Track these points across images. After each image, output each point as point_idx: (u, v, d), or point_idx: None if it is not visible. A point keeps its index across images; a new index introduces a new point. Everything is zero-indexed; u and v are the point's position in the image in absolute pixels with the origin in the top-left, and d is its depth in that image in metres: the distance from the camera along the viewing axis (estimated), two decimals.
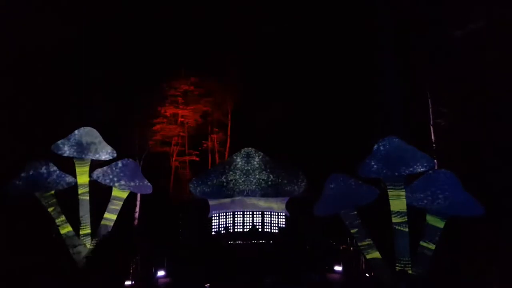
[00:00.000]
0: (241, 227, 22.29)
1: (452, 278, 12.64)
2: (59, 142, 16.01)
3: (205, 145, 29.35)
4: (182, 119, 27.85)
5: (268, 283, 15.78)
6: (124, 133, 22.09)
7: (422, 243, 12.55)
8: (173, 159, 27.23)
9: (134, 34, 23.77)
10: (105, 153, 16.36)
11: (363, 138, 18.33)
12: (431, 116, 19.35)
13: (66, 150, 15.90)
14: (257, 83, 27.99)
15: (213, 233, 22.25)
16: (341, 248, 19.23)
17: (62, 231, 15.22)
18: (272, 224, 22.35)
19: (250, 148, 22.93)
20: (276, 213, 22.31)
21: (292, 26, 27.17)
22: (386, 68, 20.91)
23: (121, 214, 15.97)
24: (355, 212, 13.57)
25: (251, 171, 22.33)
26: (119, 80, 22.40)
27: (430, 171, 13.12)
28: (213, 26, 27.03)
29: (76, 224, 15.66)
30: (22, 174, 15.16)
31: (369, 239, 13.35)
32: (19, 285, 13.42)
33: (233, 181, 22.16)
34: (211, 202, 22.36)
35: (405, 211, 13.04)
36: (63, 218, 15.37)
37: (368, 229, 13.56)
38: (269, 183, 22.01)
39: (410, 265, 12.74)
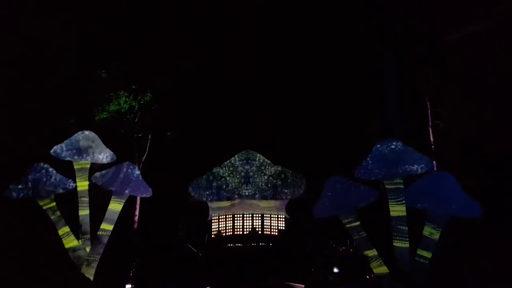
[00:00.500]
0: (241, 230, 22.29)
1: (451, 280, 12.65)
2: (58, 145, 16.00)
3: None
4: None
5: (267, 286, 15.78)
6: (124, 136, 22.12)
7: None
8: None
9: (133, 35, 23.76)
10: (105, 156, 16.33)
11: (362, 140, 18.37)
12: (429, 118, 19.38)
13: (65, 153, 15.88)
14: (257, 83, 28.00)
15: (212, 236, 22.26)
16: (340, 250, 19.26)
17: (61, 233, 15.18)
18: (272, 227, 22.36)
19: (249, 150, 22.97)
20: (276, 216, 22.32)
21: (292, 26, 27.15)
22: (385, 69, 20.94)
23: (120, 217, 15.92)
24: (354, 214, 13.56)
25: (250, 174, 22.35)
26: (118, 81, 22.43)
27: (429, 173, 13.12)
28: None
29: (76, 228, 15.63)
30: (22, 179, 15.15)
31: (367, 239, 13.35)
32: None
33: (233, 183, 22.18)
34: (211, 205, 22.38)
35: (405, 212, 13.04)
36: (62, 221, 15.35)
37: (367, 230, 13.56)
38: (269, 185, 22.03)
39: (408, 267, 12.72)
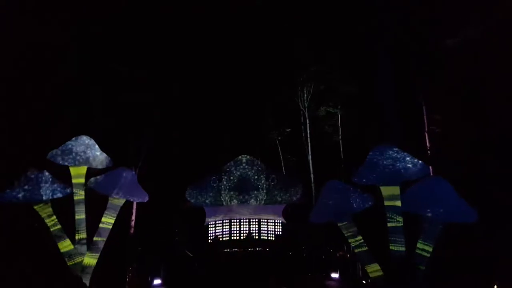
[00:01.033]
0: (237, 235, 22.25)
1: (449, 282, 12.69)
2: (54, 150, 15.97)
3: None
4: None
5: None
6: (120, 141, 22.11)
7: (419, 244, 12.56)
8: None
9: (133, 38, 23.79)
10: (101, 161, 16.31)
11: (359, 145, 18.46)
12: (425, 123, 19.51)
13: (62, 158, 15.84)
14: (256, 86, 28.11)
15: (209, 241, 22.21)
16: (338, 255, 19.25)
17: (58, 241, 15.12)
18: (269, 232, 22.32)
19: (246, 155, 22.99)
20: (273, 221, 22.30)
21: (291, 26, 27.25)
22: (383, 75, 21.08)
23: (117, 222, 15.88)
24: (351, 219, 13.59)
25: (247, 178, 22.35)
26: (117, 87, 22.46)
27: (425, 178, 13.18)
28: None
29: (72, 233, 15.56)
30: (18, 183, 15.08)
31: (364, 244, 13.39)
32: None
33: (230, 188, 22.17)
34: (207, 210, 22.35)
35: (401, 217, 13.07)
36: (58, 225, 15.28)
37: (364, 235, 13.58)
38: (265, 190, 22.03)
39: (405, 271, 12.73)
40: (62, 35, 20.36)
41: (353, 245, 13.79)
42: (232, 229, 22.25)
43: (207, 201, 22.24)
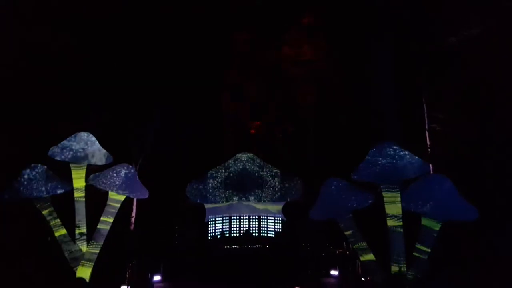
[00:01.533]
0: (237, 232, 22.29)
1: (449, 280, 12.70)
2: (55, 146, 15.98)
3: None
4: None
5: None
6: (120, 138, 22.09)
7: (417, 245, 12.57)
8: None
9: (133, 37, 23.75)
10: (102, 157, 16.33)
11: (359, 142, 18.43)
12: (426, 121, 19.46)
13: (62, 154, 15.86)
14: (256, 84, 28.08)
15: (209, 237, 22.24)
16: (337, 252, 19.29)
17: (57, 234, 15.15)
18: (269, 229, 22.36)
19: (246, 152, 23.00)
20: (273, 218, 22.33)
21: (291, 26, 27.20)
22: (382, 72, 21.03)
23: (117, 218, 15.90)
24: (351, 216, 13.61)
25: (247, 175, 22.37)
26: (117, 84, 22.41)
27: (425, 176, 13.18)
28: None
29: (71, 229, 15.59)
30: (18, 180, 15.11)
31: (364, 243, 13.39)
32: None
33: (230, 185, 22.19)
34: (207, 206, 22.37)
35: (400, 214, 13.09)
36: (58, 222, 15.32)
37: (364, 232, 13.60)
38: (266, 187, 22.04)
39: (405, 267, 12.76)
40: (62, 35, 20.36)
41: (352, 243, 13.83)
42: (232, 226, 22.29)
43: (207, 198, 22.25)
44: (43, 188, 15.23)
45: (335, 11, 24.41)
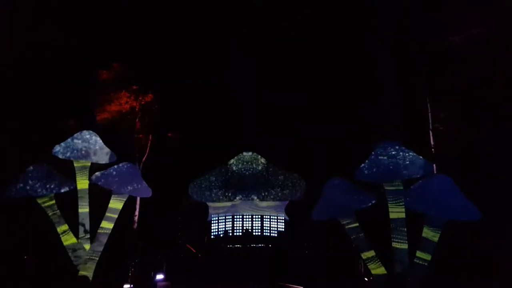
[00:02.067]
0: (240, 231, 22.31)
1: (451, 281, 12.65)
2: (58, 145, 16.05)
3: None
4: None
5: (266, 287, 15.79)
6: (123, 136, 22.16)
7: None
8: None
9: (134, 35, 23.82)
10: (105, 156, 16.38)
11: (362, 142, 18.39)
12: (430, 120, 19.39)
13: (66, 153, 15.92)
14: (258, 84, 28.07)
15: (212, 236, 22.27)
16: (339, 252, 19.25)
17: (61, 233, 15.20)
18: (272, 228, 22.36)
19: (249, 151, 22.99)
20: (276, 217, 22.33)
21: (291, 26, 27.18)
22: (385, 71, 20.97)
23: (120, 217, 15.94)
24: (353, 216, 13.57)
25: (250, 175, 22.36)
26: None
27: (429, 176, 13.12)
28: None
29: (75, 228, 15.65)
30: (21, 178, 15.17)
31: (366, 241, 13.37)
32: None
33: (233, 184, 22.19)
34: (210, 205, 22.40)
35: (404, 214, 13.05)
36: (63, 221, 15.38)
37: (367, 232, 13.56)
38: (269, 186, 22.04)
39: (407, 269, 12.72)
40: (62, 34, 20.43)
41: (355, 243, 13.80)
42: (235, 225, 22.31)
43: (210, 197, 22.26)
44: (46, 187, 15.28)
45: (335, 10, 24.40)
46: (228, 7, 25.90)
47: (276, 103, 27.42)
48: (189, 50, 25.76)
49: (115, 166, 16.26)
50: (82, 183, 16.04)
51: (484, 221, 12.12)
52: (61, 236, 15.17)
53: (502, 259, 12.99)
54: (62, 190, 15.61)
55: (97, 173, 16.16)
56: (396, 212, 13.14)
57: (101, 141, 16.48)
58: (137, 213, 23.23)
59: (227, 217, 22.37)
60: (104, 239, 15.34)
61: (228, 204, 22.23)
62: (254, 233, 21.92)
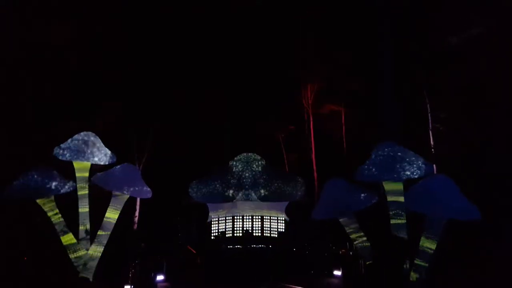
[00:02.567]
0: (240, 231, 22.29)
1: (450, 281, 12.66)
2: (59, 146, 16.07)
3: None
4: None
5: None
6: (124, 138, 22.20)
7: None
8: None
9: (135, 35, 23.84)
10: (105, 157, 16.39)
11: (362, 143, 18.42)
12: (429, 121, 19.41)
13: (66, 154, 15.94)
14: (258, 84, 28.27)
15: (212, 237, 22.26)
16: (340, 252, 19.25)
17: (61, 235, 15.22)
18: (272, 229, 22.34)
19: (250, 153, 22.99)
20: (276, 218, 22.32)
21: (291, 26, 27.25)
22: (385, 72, 20.98)
23: (120, 218, 15.95)
24: (353, 216, 13.60)
25: (250, 176, 22.34)
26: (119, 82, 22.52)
27: (429, 176, 13.14)
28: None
29: (76, 228, 15.65)
30: (22, 179, 15.18)
31: (366, 241, 13.41)
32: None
33: (233, 185, 22.18)
34: (210, 206, 22.39)
35: (404, 214, 13.06)
36: (63, 223, 15.38)
37: (367, 232, 13.59)
38: (268, 187, 22.01)
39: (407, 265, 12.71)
40: (63, 34, 20.46)
41: (355, 242, 13.82)
42: (235, 225, 22.29)
43: (210, 197, 22.25)
44: (47, 188, 15.29)
45: (335, 10, 24.45)
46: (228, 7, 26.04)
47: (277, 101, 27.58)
48: (191, 51, 25.85)
49: (116, 167, 16.29)
50: (82, 184, 16.06)
51: (484, 221, 12.13)
52: (61, 237, 15.19)
53: (502, 259, 12.98)
54: (62, 191, 15.64)
55: (98, 174, 16.18)
56: (396, 211, 13.13)
57: (101, 142, 16.51)
58: (137, 214, 23.25)
59: (227, 218, 22.36)
60: (104, 240, 15.37)
61: (228, 204, 22.22)
62: (254, 234, 21.89)
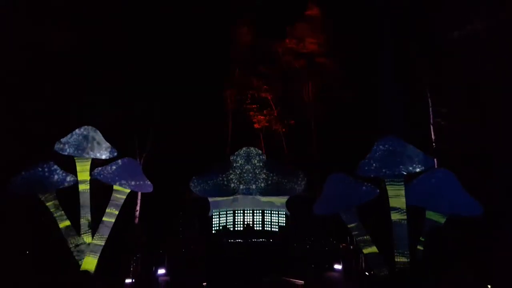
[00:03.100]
0: (241, 225, 22.33)
1: (451, 276, 12.67)
2: (60, 141, 16.08)
3: None
4: None
5: (267, 282, 15.83)
6: (125, 132, 22.18)
7: (422, 238, 12.53)
8: None
9: (136, 34, 23.79)
10: (106, 151, 16.42)
11: (363, 137, 18.36)
12: (431, 115, 19.36)
13: (67, 149, 15.97)
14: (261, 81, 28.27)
15: (213, 231, 22.31)
16: (341, 246, 19.28)
17: (62, 226, 15.29)
18: (273, 223, 22.37)
19: (250, 147, 22.96)
20: (276, 212, 22.34)
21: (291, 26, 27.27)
22: (386, 67, 20.93)
23: (121, 212, 16.01)
24: (354, 211, 13.61)
25: (251, 170, 22.33)
26: (120, 80, 22.47)
27: (430, 170, 13.13)
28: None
29: (77, 223, 15.71)
30: (24, 174, 15.22)
31: (367, 236, 13.42)
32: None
33: (233, 180, 22.18)
34: (212, 200, 22.41)
35: (404, 208, 13.07)
36: (65, 217, 15.45)
37: (367, 226, 13.61)
38: (269, 182, 22.00)
39: (408, 259, 12.75)
40: (63, 34, 20.44)
41: (356, 237, 13.85)
42: (236, 220, 22.32)
43: (211, 192, 22.25)
44: (49, 182, 15.34)
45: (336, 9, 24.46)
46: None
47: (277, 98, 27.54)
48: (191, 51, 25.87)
49: (117, 162, 16.31)
50: (84, 178, 16.09)
51: (484, 221, 12.13)
52: (62, 231, 15.26)
53: (502, 258, 12.99)
54: (64, 185, 15.69)
55: (99, 169, 16.20)
56: (397, 205, 13.14)
57: (102, 136, 16.53)
58: (138, 208, 23.28)
59: (228, 212, 22.38)
60: (106, 233, 15.43)
61: (229, 198, 22.24)
62: (255, 228, 21.92)
